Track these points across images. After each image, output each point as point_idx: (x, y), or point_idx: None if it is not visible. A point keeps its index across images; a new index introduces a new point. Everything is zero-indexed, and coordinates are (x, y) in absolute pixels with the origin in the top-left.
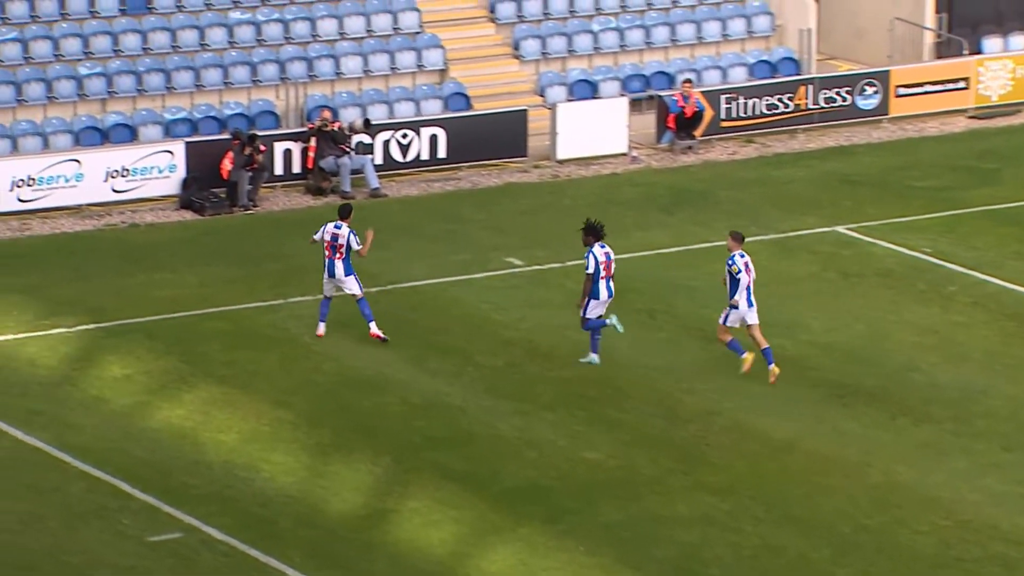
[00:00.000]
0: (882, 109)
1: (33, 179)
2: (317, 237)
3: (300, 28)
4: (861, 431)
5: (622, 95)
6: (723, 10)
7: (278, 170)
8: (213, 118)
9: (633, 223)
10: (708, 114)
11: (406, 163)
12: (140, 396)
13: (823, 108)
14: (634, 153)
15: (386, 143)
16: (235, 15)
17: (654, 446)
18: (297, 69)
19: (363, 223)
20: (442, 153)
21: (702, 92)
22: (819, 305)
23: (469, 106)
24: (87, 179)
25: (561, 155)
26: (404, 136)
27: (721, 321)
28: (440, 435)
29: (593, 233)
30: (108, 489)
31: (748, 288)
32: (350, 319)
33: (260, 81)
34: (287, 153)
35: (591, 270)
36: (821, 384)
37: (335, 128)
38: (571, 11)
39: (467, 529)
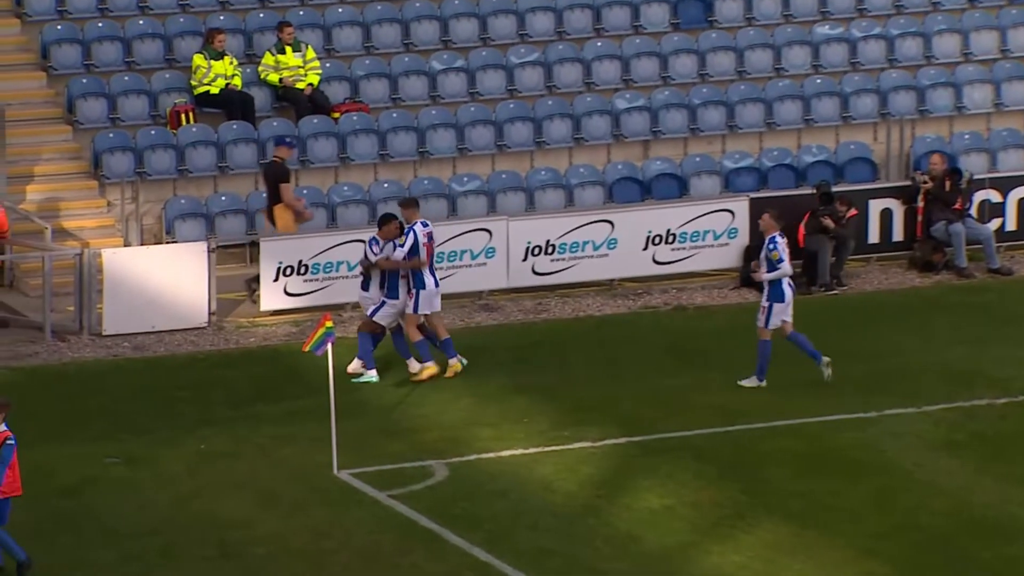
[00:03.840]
0: None
1: (553, 246)
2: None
3: (909, 47)
4: None
5: None
6: None
7: (873, 237)
8: (788, 166)
9: None
10: None
11: None
12: (685, 535)
13: None
14: None
15: (1022, 203)
16: (822, 29)
17: None
18: (903, 101)
19: (983, 308)
20: None
21: None
22: None
23: None
24: (621, 246)
25: None
26: None
27: (411, 311)
28: None
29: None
30: None
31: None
32: (956, 440)
33: (852, 117)
34: (885, 214)
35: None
36: None
37: (949, 183)
38: None
39: None
